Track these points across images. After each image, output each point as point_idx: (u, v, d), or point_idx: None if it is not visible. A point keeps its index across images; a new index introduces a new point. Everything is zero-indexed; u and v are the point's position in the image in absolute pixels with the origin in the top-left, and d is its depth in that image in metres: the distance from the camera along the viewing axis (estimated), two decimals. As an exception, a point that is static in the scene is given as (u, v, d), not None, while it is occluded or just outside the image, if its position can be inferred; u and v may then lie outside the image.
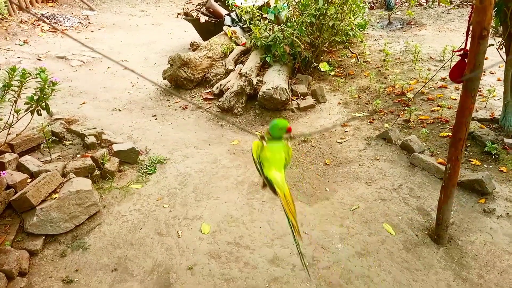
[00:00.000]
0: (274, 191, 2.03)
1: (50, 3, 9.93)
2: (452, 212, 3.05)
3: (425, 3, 9.89)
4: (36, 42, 7.69)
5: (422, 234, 2.99)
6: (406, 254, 2.82)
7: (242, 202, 3.34)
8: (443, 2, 9.42)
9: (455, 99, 4.90)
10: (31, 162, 3.39)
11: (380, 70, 5.93)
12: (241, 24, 6.87)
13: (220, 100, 5.02)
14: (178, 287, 2.57)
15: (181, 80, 5.59)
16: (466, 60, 2.31)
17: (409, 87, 5.27)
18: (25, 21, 8.35)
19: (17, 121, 2.93)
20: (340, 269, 2.70)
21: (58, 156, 3.74)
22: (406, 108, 4.67)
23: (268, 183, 2.06)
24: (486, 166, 3.70)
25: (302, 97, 5.09)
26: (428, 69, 5.80)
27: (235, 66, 5.74)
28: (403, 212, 3.23)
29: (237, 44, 6.33)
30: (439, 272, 2.66)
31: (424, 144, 4.04)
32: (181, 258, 2.80)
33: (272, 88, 4.63)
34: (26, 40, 7.59)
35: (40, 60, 6.77)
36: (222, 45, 6.25)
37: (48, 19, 8.83)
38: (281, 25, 5.70)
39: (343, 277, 2.64)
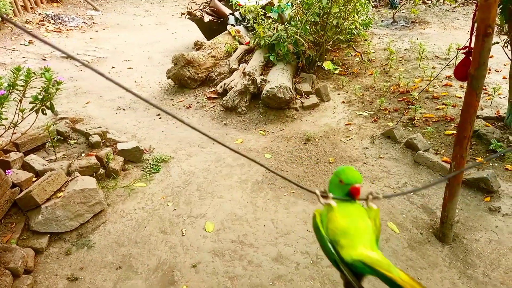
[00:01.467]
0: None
1: (55, 3, 9.98)
2: (457, 211, 3.04)
3: (429, 1, 9.84)
4: (40, 42, 7.73)
5: (426, 233, 2.98)
6: (410, 252, 2.81)
7: (246, 201, 3.34)
8: (448, 0, 9.37)
9: (460, 97, 4.87)
10: (36, 161, 3.41)
11: (384, 69, 5.91)
12: (244, 23, 6.87)
13: (224, 99, 5.02)
14: (182, 285, 2.58)
15: (185, 80, 5.60)
16: (471, 58, 2.30)
17: (414, 85, 5.25)
18: (30, 21, 8.40)
19: (22, 120, 2.94)
20: (344, 268, 2.69)
21: (63, 155, 3.76)
22: (410, 106, 4.65)
23: (351, 273, 1.18)
24: (491, 164, 3.68)
25: (306, 95, 5.08)
26: (433, 67, 5.77)
27: (239, 65, 5.74)
28: (407, 210, 3.22)
29: (240, 43, 6.33)
30: (443, 270, 2.65)
31: (429, 142, 4.02)
32: (185, 256, 2.80)
33: (275, 87, 4.62)
34: (31, 40, 7.63)
35: (45, 60, 6.81)
36: (225, 44, 6.26)
37: (53, 19, 8.88)
38: (285, 24, 5.69)
39: (347, 276, 2.63)
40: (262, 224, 3.09)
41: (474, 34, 2.23)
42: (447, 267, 2.68)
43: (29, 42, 7.44)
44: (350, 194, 1.28)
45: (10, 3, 7.92)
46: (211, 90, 5.57)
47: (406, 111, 4.63)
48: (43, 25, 8.45)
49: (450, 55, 6.15)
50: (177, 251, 2.86)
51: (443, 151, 3.91)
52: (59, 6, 9.98)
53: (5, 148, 3.39)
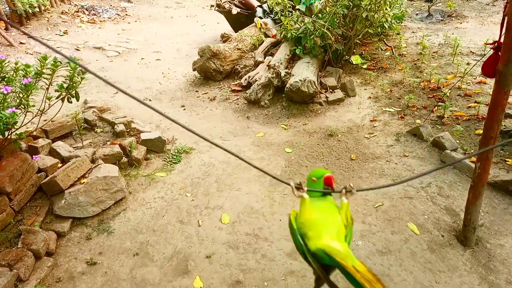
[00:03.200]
0: (329, 281, 1.15)
1: (90, -5, 10.25)
2: (482, 214, 2.92)
3: (468, -6, 9.39)
4: (75, 32, 7.98)
5: (448, 235, 2.87)
6: (430, 254, 2.72)
7: (263, 194, 3.34)
8: (488, -7, 8.91)
9: (494, 95, 4.63)
10: (63, 147, 3.54)
11: (415, 64, 5.71)
12: (272, 16, 6.82)
13: (247, 92, 5.01)
14: (195, 275, 2.61)
15: (210, 72, 5.63)
16: (500, 53, 2.18)
17: (446, 81, 5.04)
18: (66, 12, 8.68)
19: (48, 108, 3.05)
20: (359, 266, 2.64)
21: (89, 142, 3.88)
22: (440, 103, 4.47)
23: (317, 264, 1.16)
24: (523, 166, 3.50)
25: (331, 90, 4.99)
26: (468, 64, 5.52)
27: (265, 58, 5.71)
28: (429, 211, 3.11)
29: (267, 36, 6.29)
30: (463, 275, 2.55)
31: (458, 141, 3.86)
32: (200, 247, 2.84)
33: (299, 80, 4.57)
34: (66, 30, 7.89)
35: (78, 50, 7.03)
36: (252, 36, 6.23)
37: (87, 10, 9.13)
38: (313, 16, 5.60)
39: (362, 275, 2.58)
40: (278, 218, 3.08)
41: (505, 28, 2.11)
42: (467, 271, 2.58)
43: (64, 33, 7.70)
44: (326, 185, 1.27)
45: (48, -6, 8.20)
46: (236, 82, 5.57)
47: (436, 109, 4.46)
48: (78, 16, 8.71)
49: (486, 51, 5.86)
50: (193, 241, 2.89)
51: (471, 151, 3.75)
52: (94, -3, 10.25)
53: (34, 134, 3.53)
